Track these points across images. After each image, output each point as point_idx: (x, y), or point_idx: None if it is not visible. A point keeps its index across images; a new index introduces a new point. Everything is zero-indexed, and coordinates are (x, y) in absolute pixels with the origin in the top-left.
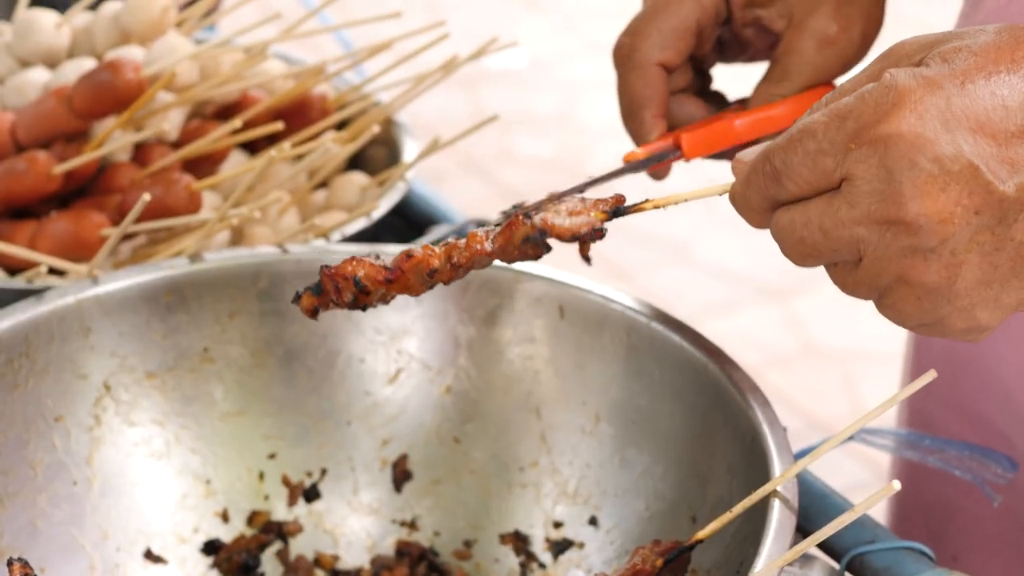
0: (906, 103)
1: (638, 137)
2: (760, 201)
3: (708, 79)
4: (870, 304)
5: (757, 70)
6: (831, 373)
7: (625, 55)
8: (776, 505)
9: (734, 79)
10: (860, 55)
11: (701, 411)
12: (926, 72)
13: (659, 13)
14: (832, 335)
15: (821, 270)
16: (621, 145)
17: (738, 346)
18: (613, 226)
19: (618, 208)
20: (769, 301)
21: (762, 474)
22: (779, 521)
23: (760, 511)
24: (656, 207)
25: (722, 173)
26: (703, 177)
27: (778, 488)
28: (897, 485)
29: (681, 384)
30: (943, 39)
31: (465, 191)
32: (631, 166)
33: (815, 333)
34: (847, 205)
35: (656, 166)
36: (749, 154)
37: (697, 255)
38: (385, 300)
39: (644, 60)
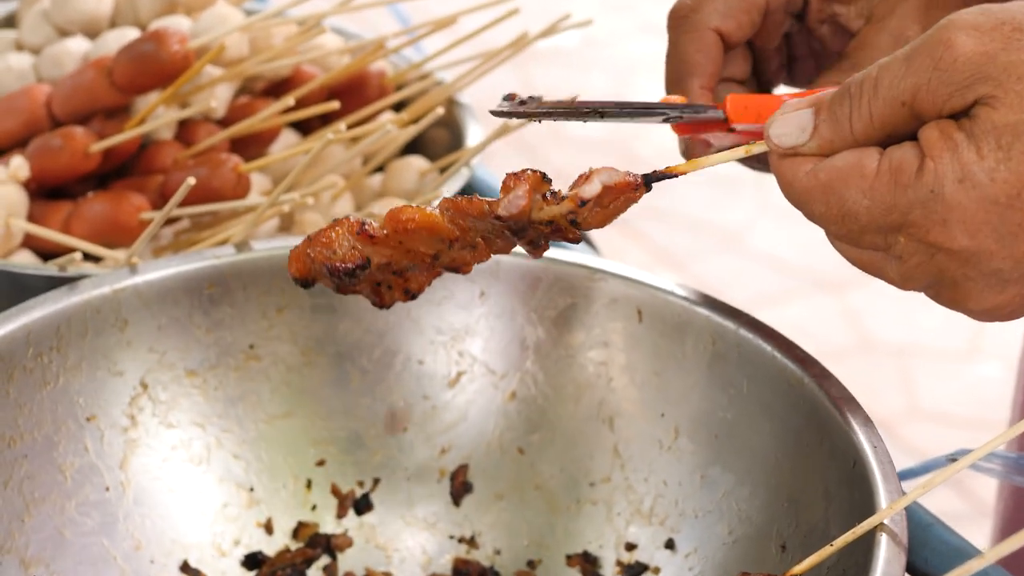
0: (955, 220)
1: None
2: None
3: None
4: (927, 299)
5: None
6: (887, 368)
7: (682, 15)
8: (883, 541)
9: None
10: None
11: (794, 429)
12: (976, 174)
13: None
14: (889, 328)
15: None
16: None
17: (791, 338)
18: (663, 211)
19: (650, 174)
20: (824, 292)
21: (864, 502)
22: (887, 559)
23: (863, 545)
24: (683, 172)
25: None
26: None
27: (885, 521)
28: None
29: (771, 398)
30: (1001, 46)
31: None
32: (664, 107)
33: (871, 326)
34: (900, 276)
35: (693, 124)
36: (783, 143)
37: (750, 243)
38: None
39: (701, 23)
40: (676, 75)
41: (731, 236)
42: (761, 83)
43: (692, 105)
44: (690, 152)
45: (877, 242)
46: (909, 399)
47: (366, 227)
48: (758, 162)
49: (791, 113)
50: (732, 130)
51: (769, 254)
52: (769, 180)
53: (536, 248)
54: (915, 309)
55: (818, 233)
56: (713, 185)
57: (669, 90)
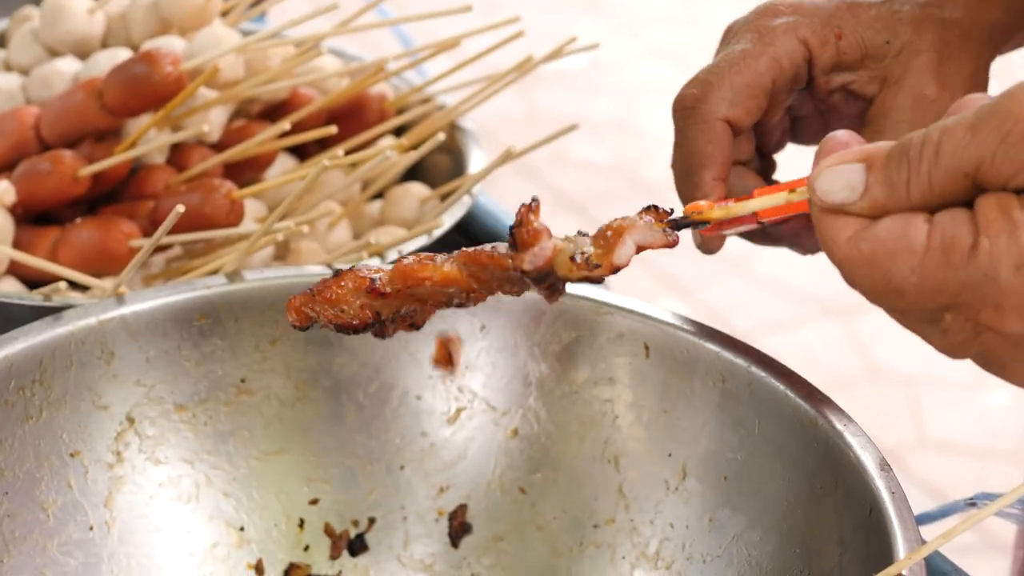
0: (1010, 306)
1: (692, 200)
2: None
3: (772, 165)
4: None
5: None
6: (895, 396)
7: (689, 107)
8: None
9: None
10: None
11: (808, 472)
12: None
13: (732, 66)
14: (898, 357)
15: None
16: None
17: (798, 366)
18: None
19: (680, 220)
20: (831, 319)
21: (881, 550)
22: None
23: None
24: (717, 217)
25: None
26: None
27: (904, 572)
28: None
29: (784, 439)
30: None
31: (517, 194)
32: (691, 222)
33: (879, 354)
34: (944, 347)
35: (717, 227)
36: (826, 199)
37: (756, 269)
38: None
39: (710, 114)
40: (687, 168)
41: (737, 262)
42: (763, 156)
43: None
44: (706, 247)
45: (923, 316)
46: (917, 428)
47: (376, 285)
48: (766, 237)
49: (840, 167)
50: (761, 223)
51: (776, 280)
52: None
53: (554, 293)
54: None
55: (825, 260)
56: None
57: (678, 184)
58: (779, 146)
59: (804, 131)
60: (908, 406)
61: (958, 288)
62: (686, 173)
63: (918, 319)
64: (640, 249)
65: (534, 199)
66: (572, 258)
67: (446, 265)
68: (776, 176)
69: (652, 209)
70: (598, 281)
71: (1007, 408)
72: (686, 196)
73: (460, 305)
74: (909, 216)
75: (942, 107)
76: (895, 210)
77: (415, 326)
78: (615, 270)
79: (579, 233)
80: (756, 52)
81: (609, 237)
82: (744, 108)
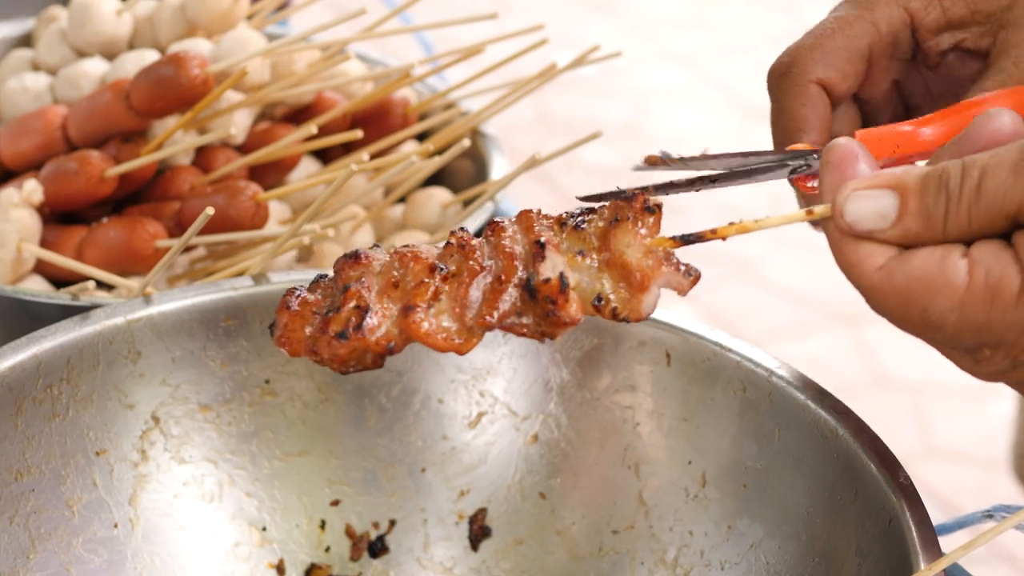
0: None
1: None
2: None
3: None
4: None
5: None
6: (902, 404)
7: (781, 72)
8: None
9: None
10: None
11: (827, 482)
12: None
13: (825, 31)
14: (904, 365)
15: None
16: None
17: (806, 372)
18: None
19: (691, 237)
20: (839, 326)
21: (900, 562)
22: None
23: None
24: (731, 235)
25: None
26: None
27: None
28: None
29: (804, 449)
30: None
31: (528, 198)
32: (793, 155)
33: (886, 362)
34: (975, 373)
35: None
36: (856, 227)
37: (765, 275)
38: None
39: (802, 76)
40: (784, 135)
41: (747, 268)
42: None
43: (820, 150)
44: (807, 202)
45: (958, 347)
46: (924, 437)
47: (391, 348)
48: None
49: (869, 193)
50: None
51: (784, 286)
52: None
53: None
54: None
55: (833, 266)
56: (729, 216)
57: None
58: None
59: (920, 106)
60: (914, 414)
61: (1003, 329)
62: (785, 140)
63: (951, 348)
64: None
65: (563, 276)
66: (595, 305)
67: (472, 339)
68: None
69: (635, 202)
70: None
71: (1013, 417)
72: None
73: None
74: (945, 251)
75: None
76: (929, 241)
77: None
78: (641, 320)
79: (580, 254)
80: (852, 18)
81: (632, 279)
82: (839, 71)
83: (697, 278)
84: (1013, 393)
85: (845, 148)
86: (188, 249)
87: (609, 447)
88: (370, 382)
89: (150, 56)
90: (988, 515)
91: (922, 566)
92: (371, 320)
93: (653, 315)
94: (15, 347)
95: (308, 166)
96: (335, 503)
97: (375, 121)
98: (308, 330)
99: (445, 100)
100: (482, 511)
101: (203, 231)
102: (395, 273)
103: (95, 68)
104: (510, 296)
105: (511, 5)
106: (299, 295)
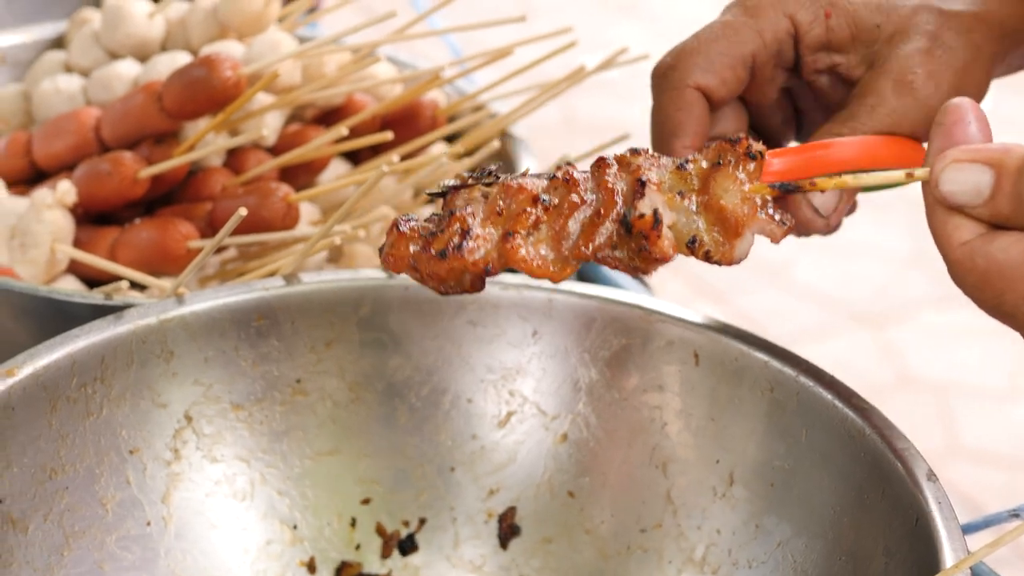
0: None
1: None
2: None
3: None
4: (968, 335)
5: None
6: (927, 405)
7: (661, 74)
8: None
9: None
10: None
11: (855, 482)
12: None
13: (709, 36)
14: (929, 366)
15: (918, 298)
16: None
17: (831, 373)
18: None
19: (788, 185)
20: (864, 328)
21: (928, 560)
22: None
23: None
24: (829, 188)
25: None
26: None
27: None
28: None
29: (832, 449)
30: None
31: None
32: (801, 190)
33: (911, 363)
34: None
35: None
36: (950, 199)
37: (791, 277)
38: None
39: (680, 80)
40: (659, 136)
41: (773, 270)
42: (767, 141)
43: None
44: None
45: None
46: (949, 437)
47: (489, 270)
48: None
49: (968, 166)
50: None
51: (810, 288)
52: None
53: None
54: (955, 345)
55: (858, 268)
56: None
57: (655, 151)
58: (782, 135)
59: (808, 127)
60: (940, 415)
61: None
62: (658, 141)
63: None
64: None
65: (657, 212)
66: (688, 246)
67: (566, 268)
68: None
69: (738, 146)
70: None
71: None
72: None
73: None
74: None
75: (926, 96)
76: (1018, 226)
77: None
78: (733, 264)
79: (680, 194)
80: (738, 24)
81: (727, 224)
82: (718, 77)
83: (791, 228)
84: None
85: (957, 110)
86: (220, 250)
87: (637, 446)
88: (401, 382)
89: (182, 58)
90: (1015, 514)
91: (948, 564)
92: (470, 242)
93: (681, 315)
94: (49, 346)
95: (338, 167)
96: (366, 501)
97: (405, 123)
98: (412, 249)
99: (474, 102)
100: (511, 510)
101: (234, 232)
102: (500, 203)
103: (128, 70)
104: (606, 230)
105: (539, 8)
106: (410, 218)
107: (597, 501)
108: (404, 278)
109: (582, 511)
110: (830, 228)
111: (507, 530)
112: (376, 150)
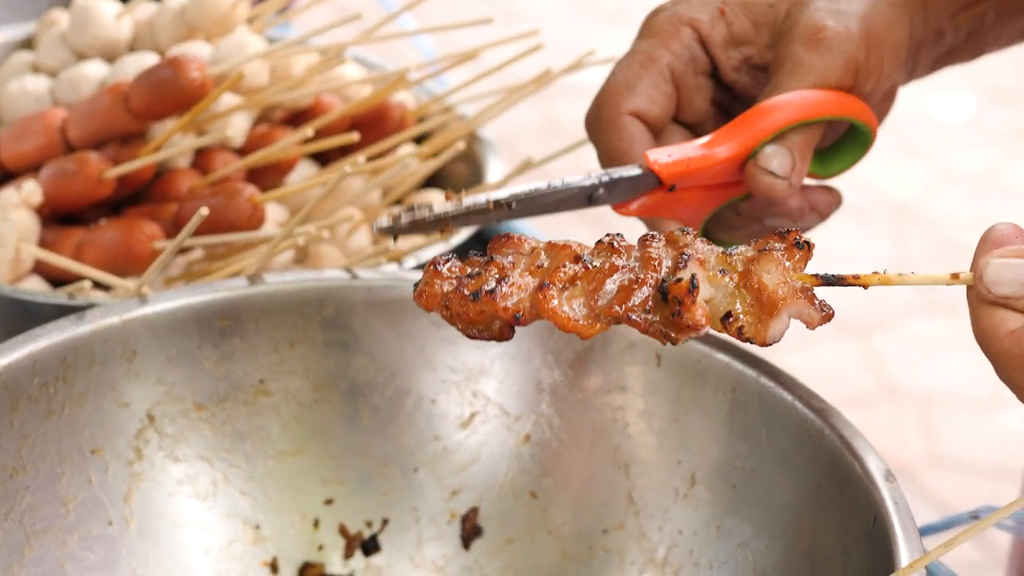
0: None
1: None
2: None
3: None
4: (952, 345)
5: None
6: (910, 414)
7: (592, 119)
8: None
9: None
10: (867, 59)
11: (814, 482)
12: None
13: (622, 68)
14: (912, 375)
15: (903, 308)
16: None
17: (813, 382)
18: None
19: (832, 278)
20: (847, 337)
21: (884, 559)
22: None
23: None
24: (873, 284)
25: None
26: None
27: None
28: None
29: (791, 449)
30: None
31: None
32: (587, 179)
33: (894, 372)
34: None
35: (631, 200)
36: (994, 291)
37: None
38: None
39: (611, 114)
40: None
41: None
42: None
43: (614, 169)
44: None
45: None
46: (932, 446)
47: (519, 320)
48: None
49: (1011, 261)
50: (672, 189)
51: None
52: None
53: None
54: (939, 355)
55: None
56: None
57: None
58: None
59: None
60: (922, 424)
61: None
62: None
63: None
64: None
65: (694, 278)
66: (723, 321)
67: (596, 324)
68: None
69: (787, 237)
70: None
71: (1021, 428)
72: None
73: None
74: None
75: (840, 44)
76: None
77: None
78: (765, 345)
79: (722, 272)
80: (644, 46)
81: (764, 303)
82: (646, 96)
83: (830, 316)
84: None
85: (1003, 231)
86: (186, 251)
87: (600, 447)
88: (364, 383)
89: (150, 59)
90: (975, 516)
91: (904, 563)
92: (505, 288)
93: None
94: (11, 345)
95: (306, 169)
96: (329, 502)
97: (373, 124)
98: (447, 289)
99: (442, 105)
100: (474, 510)
101: (201, 232)
102: (542, 257)
103: (95, 71)
104: (643, 294)
105: (524, 15)
106: (449, 258)
107: (560, 502)
108: (368, 278)
109: (545, 512)
110: (793, 188)
111: (470, 531)
112: (344, 152)
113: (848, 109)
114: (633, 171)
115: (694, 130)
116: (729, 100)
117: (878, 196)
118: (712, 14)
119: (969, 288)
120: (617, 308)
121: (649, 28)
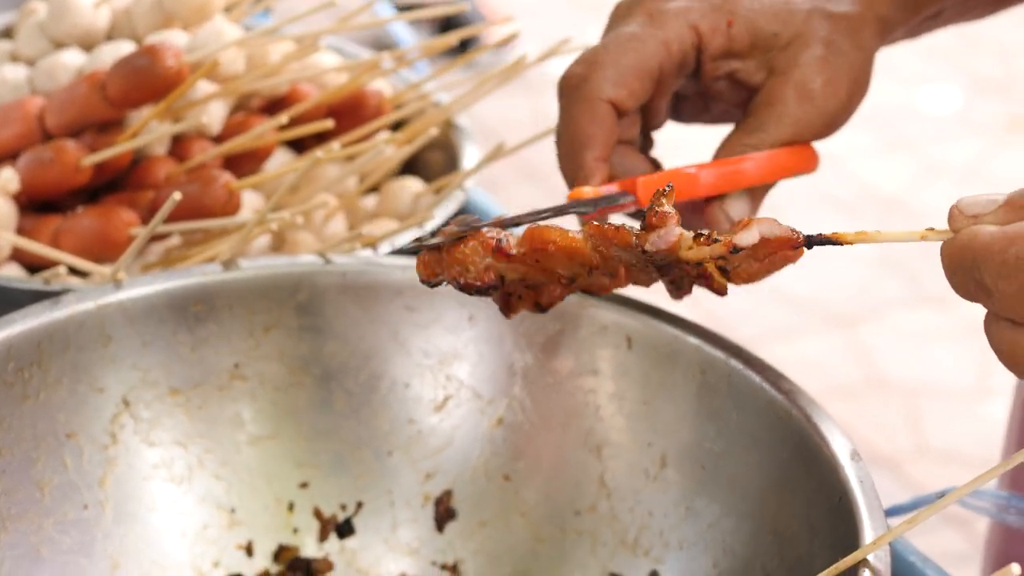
0: None
1: (574, 180)
2: (969, 297)
3: (650, 142)
4: (939, 337)
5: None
6: (896, 405)
7: (573, 86)
8: None
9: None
10: (844, 115)
11: (781, 462)
12: None
13: (619, 48)
14: (899, 366)
15: (889, 300)
16: (684, 159)
17: (800, 373)
18: None
19: (813, 236)
20: (834, 328)
21: (849, 537)
22: None
23: None
24: (850, 243)
25: None
26: None
27: (869, 557)
28: (1016, 570)
29: (759, 430)
30: None
31: (521, 199)
32: (576, 205)
33: (881, 363)
34: None
35: (605, 210)
36: (967, 211)
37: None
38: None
39: (594, 94)
40: (569, 147)
41: None
42: (644, 134)
43: (603, 198)
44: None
45: None
46: (918, 437)
47: (502, 245)
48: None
49: (984, 197)
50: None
51: (780, 289)
52: (783, 213)
53: (679, 290)
54: (926, 347)
55: (830, 269)
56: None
57: (561, 162)
58: (661, 125)
59: (685, 110)
60: (908, 415)
61: None
62: (569, 153)
63: None
64: (764, 241)
65: (669, 186)
66: (696, 236)
67: (572, 233)
68: (654, 153)
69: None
70: (721, 290)
71: (1006, 419)
72: (569, 176)
73: (590, 292)
74: None
75: (826, 102)
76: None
77: (540, 306)
78: (734, 248)
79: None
80: (645, 35)
81: (735, 226)
82: (629, 90)
83: (800, 242)
84: (1007, 395)
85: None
86: (163, 237)
87: (572, 430)
88: (338, 367)
89: (127, 48)
90: (941, 495)
91: (868, 541)
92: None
93: (614, 300)
94: None
95: (283, 157)
96: (303, 485)
97: (349, 112)
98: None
99: (419, 92)
100: (447, 493)
101: (177, 218)
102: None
103: (72, 60)
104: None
105: (519, 9)
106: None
107: (532, 484)
108: (342, 263)
109: (517, 494)
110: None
111: (443, 513)
112: (321, 139)
113: (806, 165)
114: (624, 198)
115: (646, 113)
116: (693, 95)
117: (865, 188)
118: (718, 24)
119: (988, 314)
120: (597, 221)
121: (656, 12)
